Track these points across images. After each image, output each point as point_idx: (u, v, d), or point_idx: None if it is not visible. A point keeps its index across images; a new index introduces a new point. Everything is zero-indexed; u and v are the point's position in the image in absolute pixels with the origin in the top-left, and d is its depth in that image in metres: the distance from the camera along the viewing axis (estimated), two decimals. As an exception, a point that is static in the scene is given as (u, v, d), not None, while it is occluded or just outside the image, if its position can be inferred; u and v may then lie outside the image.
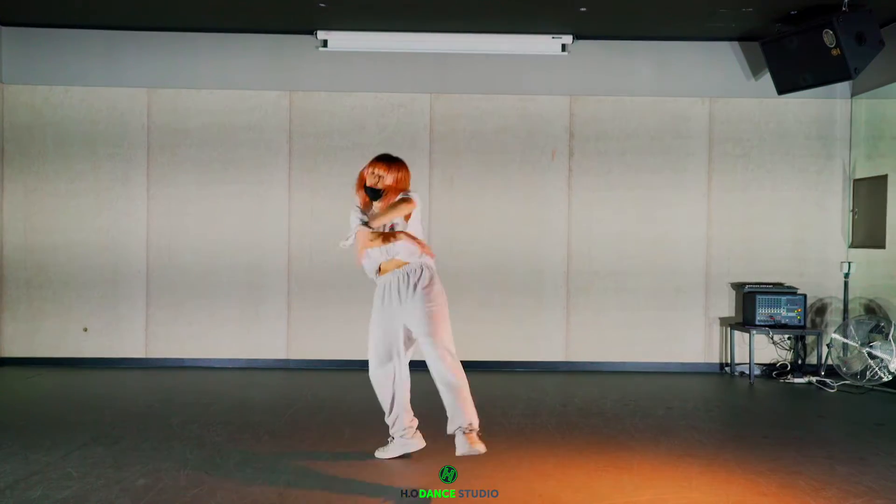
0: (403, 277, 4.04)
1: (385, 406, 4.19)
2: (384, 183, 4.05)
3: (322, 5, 6.24)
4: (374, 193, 4.07)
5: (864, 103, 6.98)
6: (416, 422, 4.23)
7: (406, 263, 4.04)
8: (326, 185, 7.07)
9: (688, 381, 6.71)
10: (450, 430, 3.89)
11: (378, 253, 4.07)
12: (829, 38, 5.93)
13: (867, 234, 6.85)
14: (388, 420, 4.20)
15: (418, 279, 4.02)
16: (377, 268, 4.12)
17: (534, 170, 7.08)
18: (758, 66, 6.97)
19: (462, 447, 3.82)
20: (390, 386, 4.14)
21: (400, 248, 4.03)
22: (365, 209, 4.12)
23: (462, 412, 3.86)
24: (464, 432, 3.83)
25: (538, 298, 7.07)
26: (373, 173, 4.07)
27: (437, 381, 3.95)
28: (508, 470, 4.03)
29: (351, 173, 7.01)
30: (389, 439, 4.21)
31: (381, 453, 4.20)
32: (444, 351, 3.92)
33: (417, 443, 4.19)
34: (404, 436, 4.16)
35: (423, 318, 3.96)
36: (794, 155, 7.14)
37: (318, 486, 3.74)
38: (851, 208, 7.07)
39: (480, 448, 3.82)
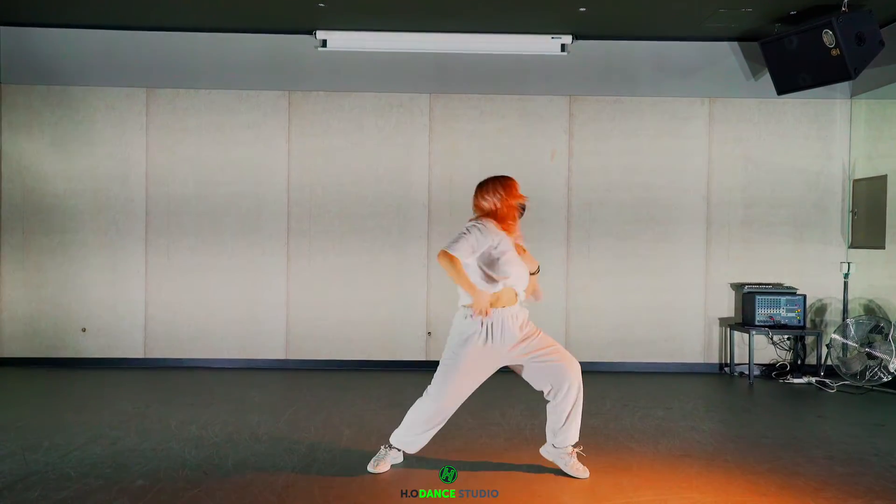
0: (513, 318, 3.82)
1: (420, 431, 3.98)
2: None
3: (321, 5, 6.23)
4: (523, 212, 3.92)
5: (863, 104, 6.97)
6: None
7: (516, 302, 3.84)
8: (325, 186, 7.06)
9: (687, 382, 6.71)
10: (374, 469, 3.95)
11: (515, 283, 3.82)
12: (828, 38, 5.93)
13: (867, 234, 6.85)
14: (401, 437, 4.02)
15: (524, 321, 3.90)
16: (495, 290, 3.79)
17: (533, 170, 7.07)
18: (757, 66, 6.97)
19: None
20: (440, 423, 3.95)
21: (522, 279, 3.85)
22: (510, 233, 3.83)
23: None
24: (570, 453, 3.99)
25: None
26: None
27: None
28: (508, 470, 4.03)
29: (349, 173, 7.08)
30: (386, 448, 4.03)
31: (378, 466, 3.96)
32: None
33: (402, 457, 4.09)
34: (400, 449, 4.05)
35: (545, 349, 3.90)
36: (793, 155, 7.14)
37: (316, 487, 3.73)
38: (851, 209, 7.07)
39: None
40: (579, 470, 3.90)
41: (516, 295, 3.84)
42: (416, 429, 3.95)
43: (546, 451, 4.03)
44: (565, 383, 3.87)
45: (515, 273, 3.79)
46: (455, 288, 3.87)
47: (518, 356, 3.86)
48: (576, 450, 3.97)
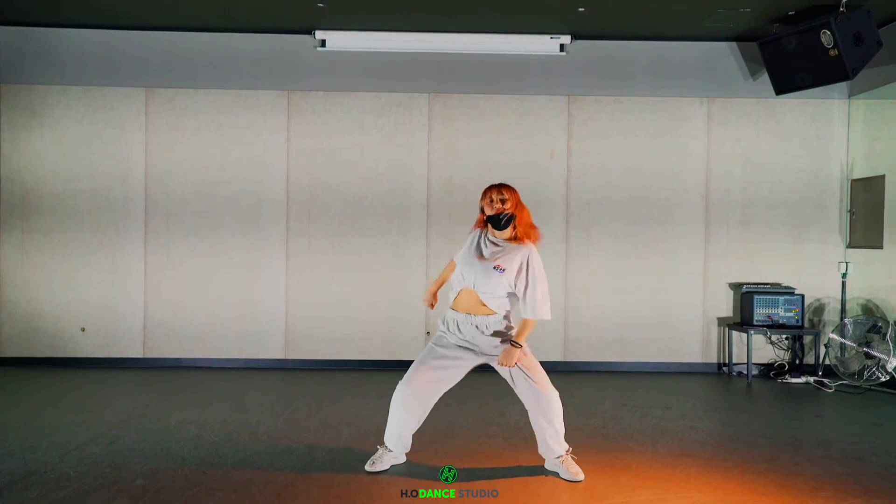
0: (481, 326, 3.86)
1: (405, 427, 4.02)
2: (508, 206, 3.83)
3: (320, 5, 6.24)
4: (497, 222, 3.84)
5: (861, 104, 6.99)
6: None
7: (490, 313, 3.85)
8: (324, 185, 7.07)
9: (686, 382, 6.72)
10: (372, 469, 3.97)
11: (465, 276, 3.87)
12: (826, 38, 5.95)
13: (865, 234, 6.86)
14: (388, 432, 4.06)
15: (496, 330, 3.89)
16: (455, 293, 3.93)
17: (532, 170, 7.08)
18: (756, 66, 6.98)
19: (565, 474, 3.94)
20: (421, 411, 3.99)
21: (493, 289, 3.81)
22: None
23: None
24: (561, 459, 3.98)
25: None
26: (491, 201, 3.84)
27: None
28: (508, 470, 4.04)
29: (348, 173, 7.08)
30: (382, 448, 4.07)
31: (374, 465, 4.00)
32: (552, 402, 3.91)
33: (403, 457, 4.13)
34: (397, 450, 4.08)
35: (518, 372, 3.88)
36: (792, 155, 7.15)
37: (316, 487, 3.74)
38: (849, 208, 7.09)
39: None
40: (573, 473, 3.90)
41: (474, 300, 3.87)
42: (395, 418, 3.96)
43: (546, 464, 4.07)
44: (532, 409, 3.95)
45: (454, 276, 3.96)
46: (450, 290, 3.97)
47: (491, 360, 3.93)
48: (566, 455, 3.98)
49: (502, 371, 3.93)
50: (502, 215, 3.83)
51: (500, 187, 3.88)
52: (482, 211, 3.92)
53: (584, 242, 7.12)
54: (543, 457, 4.03)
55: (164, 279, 7.04)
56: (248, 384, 6.34)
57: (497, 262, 3.81)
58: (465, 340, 3.91)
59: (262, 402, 5.67)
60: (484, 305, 3.85)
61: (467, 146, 7.08)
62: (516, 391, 3.97)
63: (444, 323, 3.98)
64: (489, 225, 3.90)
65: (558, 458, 3.96)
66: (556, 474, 3.95)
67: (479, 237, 3.96)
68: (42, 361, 6.97)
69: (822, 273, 7.13)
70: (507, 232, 3.87)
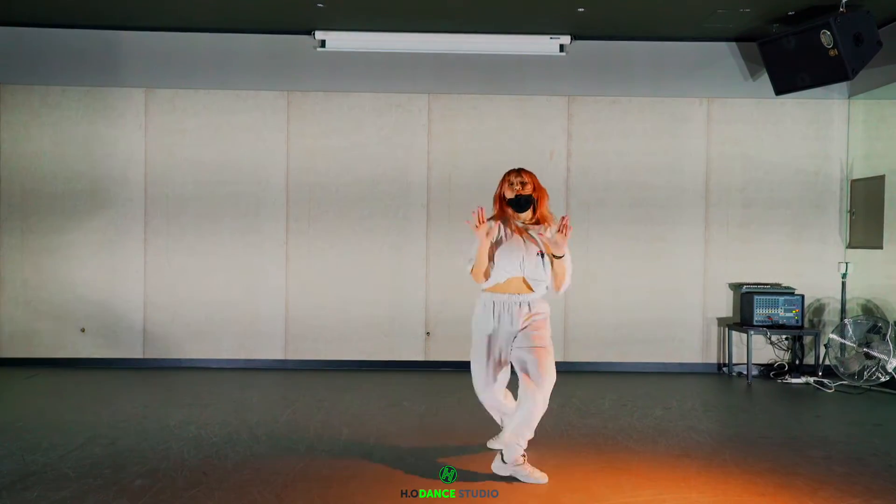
0: (522, 304, 3.90)
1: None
2: (528, 189, 3.92)
3: (320, 5, 6.24)
4: (518, 205, 3.92)
5: (861, 104, 6.99)
6: None
7: (530, 291, 3.90)
8: (324, 186, 7.07)
9: (685, 382, 6.72)
10: (496, 446, 4.07)
11: (513, 267, 3.86)
12: (826, 38, 5.94)
13: (865, 234, 6.86)
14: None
15: (537, 310, 3.91)
16: (498, 280, 3.90)
17: (532, 170, 7.05)
18: (755, 66, 6.98)
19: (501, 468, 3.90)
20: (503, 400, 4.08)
21: (540, 273, 3.88)
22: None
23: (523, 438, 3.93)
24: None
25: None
26: (511, 184, 3.94)
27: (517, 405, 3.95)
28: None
29: (348, 173, 7.08)
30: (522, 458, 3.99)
31: (533, 473, 3.90)
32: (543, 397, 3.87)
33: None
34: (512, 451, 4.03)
35: (531, 351, 3.86)
36: (791, 155, 7.15)
37: (315, 487, 3.74)
38: (849, 209, 7.09)
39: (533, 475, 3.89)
40: (496, 465, 3.90)
41: (518, 285, 3.90)
42: (496, 411, 4.14)
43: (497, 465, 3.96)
44: (520, 398, 3.91)
45: (499, 263, 3.88)
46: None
47: (513, 347, 3.94)
48: (519, 459, 3.91)
49: (518, 354, 3.89)
50: (522, 197, 3.91)
51: (519, 171, 4.00)
52: (502, 198, 3.96)
53: (583, 243, 7.11)
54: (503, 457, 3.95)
55: (163, 280, 7.04)
56: (248, 384, 6.34)
57: (539, 249, 3.89)
58: (499, 322, 3.91)
59: (261, 403, 5.67)
60: (528, 286, 3.91)
61: (467, 146, 7.08)
62: (518, 370, 3.90)
63: (482, 305, 3.95)
64: (511, 210, 3.94)
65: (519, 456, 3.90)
66: (557, 471, 3.95)
67: (505, 227, 3.93)
68: (42, 362, 6.97)
69: (822, 273, 7.12)
70: (528, 214, 3.96)
